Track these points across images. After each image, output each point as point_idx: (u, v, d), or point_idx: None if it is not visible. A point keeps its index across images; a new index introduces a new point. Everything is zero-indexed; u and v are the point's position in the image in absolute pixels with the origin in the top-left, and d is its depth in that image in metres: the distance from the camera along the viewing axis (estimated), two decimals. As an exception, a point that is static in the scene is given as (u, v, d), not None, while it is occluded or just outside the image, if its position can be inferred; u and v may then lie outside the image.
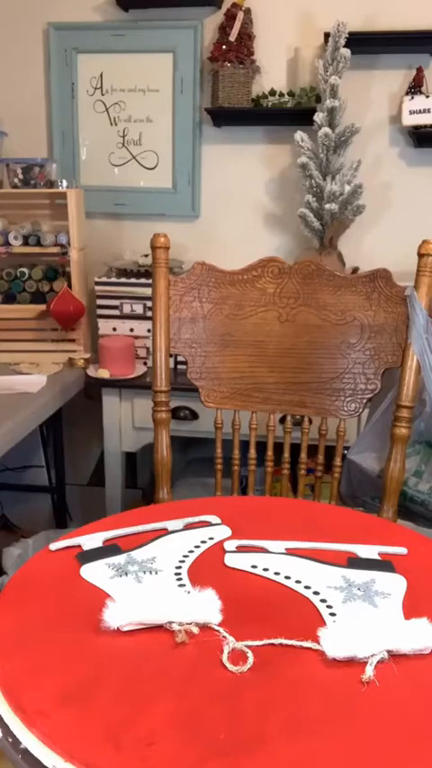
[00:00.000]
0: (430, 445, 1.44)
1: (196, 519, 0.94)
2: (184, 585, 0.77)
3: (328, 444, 1.40)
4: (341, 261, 2.04)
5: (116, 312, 2.06)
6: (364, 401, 1.35)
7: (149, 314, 1.96)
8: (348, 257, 2.07)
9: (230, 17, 2.05)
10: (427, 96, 1.97)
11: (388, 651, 0.64)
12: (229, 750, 0.54)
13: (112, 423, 2.01)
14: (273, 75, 2.12)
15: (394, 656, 0.65)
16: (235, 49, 2.04)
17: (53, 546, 0.86)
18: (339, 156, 1.97)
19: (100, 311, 2.07)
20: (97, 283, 2.06)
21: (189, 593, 0.74)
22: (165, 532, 0.90)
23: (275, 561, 0.82)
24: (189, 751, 0.54)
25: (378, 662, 0.64)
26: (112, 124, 2.25)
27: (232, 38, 2.04)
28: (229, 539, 0.88)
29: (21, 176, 2.04)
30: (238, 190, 2.23)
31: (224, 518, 0.94)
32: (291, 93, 2.08)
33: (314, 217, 1.98)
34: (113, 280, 2.06)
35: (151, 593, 0.75)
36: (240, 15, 2.03)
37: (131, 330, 2.07)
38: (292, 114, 2.08)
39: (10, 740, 0.58)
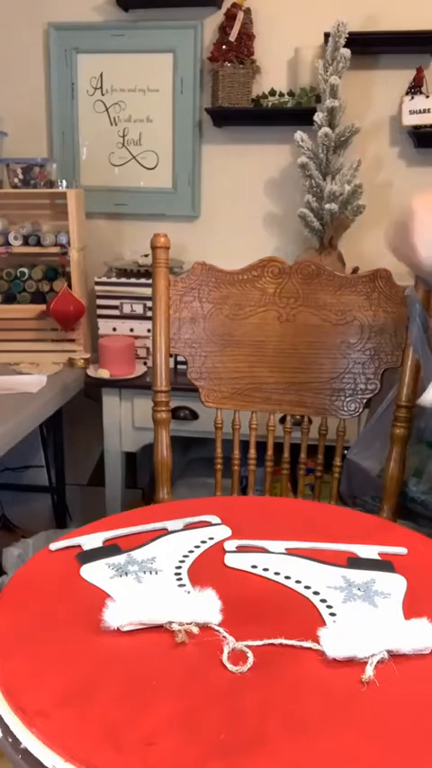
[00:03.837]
0: (430, 445, 1.44)
1: (196, 519, 0.94)
2: (184, 585, 0.77)
3: (328, 444, 1.40)
4: (341, 261, 2.04)
5: (116, 312, 2.06)
6: (364, 401, 1.35)
7: (149, 314, 1.96)
8: (348, 257, 2.07)
9: (230, 17, 2.05)
10: (427, 96, 1.97)
11: (388, 651, 0.64)
12: (229, 750, 0.54)
13: (112, 423, 2.01)
14: (273, 75, 2.12)
15: (394, 656, 0.65)
16: (235, 48, 2.04)
17: (53, 546, 0.86)
18: (339, 156, 1.97)
19: (100, 311, 2.07)
20: (97, 283, 2.06)
21: (189, 593, 0.74)
22: (165, 532, 0.90)
23: (275, 561, 0.82)
24: (189, 751, 0.54)
25: (378, 662, 0.64)
26: (112, 124, 2.25)
27: (232, 38, 2.04)
28: (229, 539, 0.88)
29: (21, 176, 2.04)
30: (238, 190, 2.23)
31: (224, 518, 0.94)
32: (291, 93, 2.08)
33: (314, 217, 1.98)
34: (113, 280, 2.06)
35: (151, 593, 0.75)
36: (240, 15, 2.03)
37: (131, 330, 2.07)
38: (292, 114, 2.08)
39: (10, 740, 0.58)
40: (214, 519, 0.94)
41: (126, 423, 2.00)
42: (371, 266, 1.40)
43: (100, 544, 0.86)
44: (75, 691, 0.60)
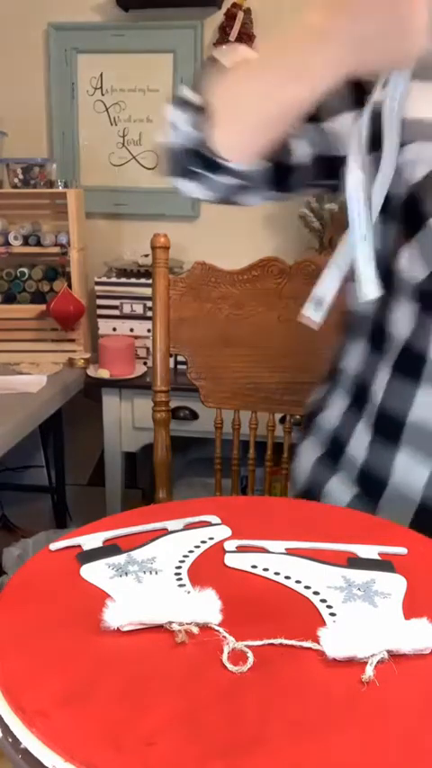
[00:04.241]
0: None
1: (196, 519, 0.94)
2: (184, 585, 0.76)
3: (328, 444, 1.40)
4: (341, 261, 2.04)
5: (116, 312, 2.06)
6: (364, 401, 1.35)
7: (149, 314, 1.96)
8: (348, 257, 2.07)
9: (230, 17, 2.05)
10: (427, 96, 1.97)
11: (388, 651, 0.64)
12: (229, 750, 0.54)
13: (112, 423, 2.01)
14: (273, 75, 2.12)
15: (394, 656, 0.65)
16: (235, 49, 2.04)
17: (53, 546, 0.86)
18: (339, 156, 1.97)
19: (100, 311, 2.07)
20: (97, 283, 2.06)
21: (189, 593, 0.74)
22: (165, 532, 0.90)
23: (275, 561, 0.82)
24: (190, 751, 0.54)
25: (378, 662, 0.64)
26: (112, 124, 2.25)
27: (232, 38, 2.04)
28: (229, 539, 0.88)
29: (21, 176, 2.04)
30: (238, 190, 2.23)
31: (224, 518, 0.94)
32: (291, 93, 2.08)
33: (314, 217, 1.98)
34: (113, 280, 2.06)
35: (151, 593, 0.75)
36: (240, 15, 2.03)
37: (131, 330, 2.07)
38: (292, 114, 2.07)
39: (10, 740, 0.58)
40: (214, 519, 0.94)
41: (126, 423, 2.00)
42: (371, 266, 1.39)
43: (100, 544, 0.86)
44: (75, 691, 0.60)
